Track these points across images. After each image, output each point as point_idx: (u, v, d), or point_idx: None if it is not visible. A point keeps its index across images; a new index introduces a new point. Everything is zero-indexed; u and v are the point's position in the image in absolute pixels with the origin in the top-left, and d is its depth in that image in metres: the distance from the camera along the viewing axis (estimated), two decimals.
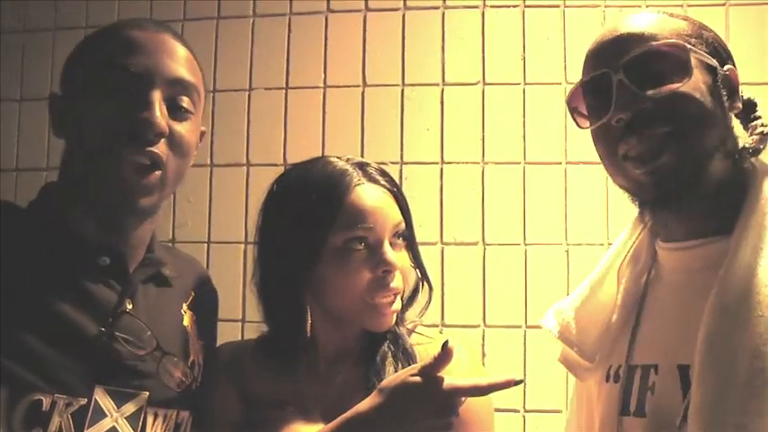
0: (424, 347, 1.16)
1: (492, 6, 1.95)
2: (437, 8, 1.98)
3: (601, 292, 1.13)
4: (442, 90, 1.95)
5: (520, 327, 1.82)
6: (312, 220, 1.11)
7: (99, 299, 0.99)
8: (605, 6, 1.91)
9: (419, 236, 1.79)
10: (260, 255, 1.19)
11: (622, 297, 1.11)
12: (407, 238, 1.17)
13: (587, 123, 1.04)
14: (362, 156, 1.91)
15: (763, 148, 1.00)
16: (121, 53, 0.99)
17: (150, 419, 1.00)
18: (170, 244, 2.01)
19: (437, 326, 1.81)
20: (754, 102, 1.05)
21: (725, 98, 0.97)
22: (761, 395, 0.81)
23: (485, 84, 1.93)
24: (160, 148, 0.98)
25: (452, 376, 1.04)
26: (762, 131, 1.01)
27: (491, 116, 1.92)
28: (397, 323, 1.17)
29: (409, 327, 1.20)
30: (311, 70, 2.02)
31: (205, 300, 1.21)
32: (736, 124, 1.03)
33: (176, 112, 1.01)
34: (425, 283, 1.22)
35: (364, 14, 2.01)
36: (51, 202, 1.06)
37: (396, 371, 1.10)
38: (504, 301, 1.85)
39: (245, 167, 2.02)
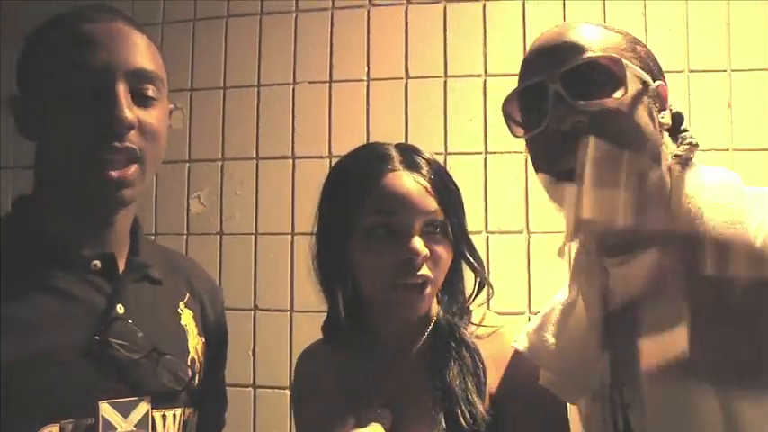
0: (483, 343, 1.15)
1: None
2: (479, 0, 2.00)
3: (575, 311, 1.10)
4: (485, 81, 1.97)
5: None
6: (345, 203, 1.13)
7: (90, 306, 0.97)
8: None
9: None
10: (315, 238, 1.22)
11: (589, 314, 1.06)
12: (448, 228, 1.14)
13: (521, 131, 1.02)
14: None
15: (692, 158, 0.99)
16: (78, 50, 0.95)
17: (159, 422, 1.01)
18: (217, 236, 2.07)
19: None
20: (681, 115, 1.04)
21: (655, 114, 0.97)
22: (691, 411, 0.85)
23: None
24: (133, 141, 0.96)
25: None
26: (690, 142, 1.01)
27: None
28: (452, 314, 1.17)
29: (476, 321, 1.20)
30: (354, 63, 2.05)
31: (204, 296, 1.20)
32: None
33: (142, 101, 0.99)
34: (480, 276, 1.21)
35: (406, 7, 2.04)
36: (29, 211, 1.02)
37: (458, 365, 1.11)
38: (548, 288, 1.84)
39: (290, 160, 2.05)
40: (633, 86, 0.94)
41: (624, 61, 0.94)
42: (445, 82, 2.00)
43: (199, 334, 1.14)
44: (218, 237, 2.07)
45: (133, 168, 0.97)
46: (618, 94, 0.92)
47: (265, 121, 2.08)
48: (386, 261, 1.09)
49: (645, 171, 0.93)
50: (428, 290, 1.11)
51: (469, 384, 1.08)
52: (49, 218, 1.00)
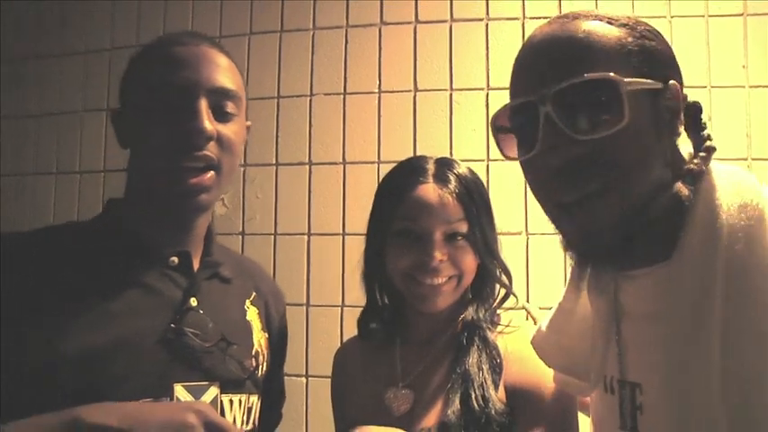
0: (504, 339, 1.25)
1: (531, 18, 2.12)
2: (481, 20, 2.15)
3: (579, 309, 1.06)
4: (487, 94, 2.12)
5: None
6: (383, 209, 1.28)
7: (168, 298, 1.05)
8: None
9: None
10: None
11: (597, 312, 1.00)
12: (470, 237, 1.22)
13: (513, 150, 0.89)
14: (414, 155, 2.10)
15: (708, 164, 0.87)
16: (167, 69, 1.04)
17: (227, 405, 1.07)
18: (240, 236, 2.22)
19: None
20: (699, 107, 0.91)
21: (667, 122, 0.84)
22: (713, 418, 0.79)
23: None
24: (211, 151, 1.03)
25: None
26: (708, 147, 0.88)
27: None
28: (480, 316, 1.26)
29: (504, 324, 1.28)
30: (367, 77, 2.20)
31: (268, 297, 1.28)
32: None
33: (222, 116, 1.06)
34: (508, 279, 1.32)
35: (415, 26, 2.19)
36: (118, 212, 1.12)
37: (477, 355, 1.21)
38: (545, 285, 2.01)
39: (307, 166, 2.20)
40: (637, 102, 0.80)
41: (626, 80, 0.80)
42: (451, 95, 2.14)
43: (263, 329, 1.22)
44: (241, 236, 2.22)
45: (209, 175, 1.05)
46: (619, 119, 0.79)
47: (284, 129, 2.23)
48: (407, 259, 1.22)
49: (648, 197, 0.83)
50: (445, 287, 1.22)
51: (485, 373, 1.18)
52: (135, 219, 1.08)
